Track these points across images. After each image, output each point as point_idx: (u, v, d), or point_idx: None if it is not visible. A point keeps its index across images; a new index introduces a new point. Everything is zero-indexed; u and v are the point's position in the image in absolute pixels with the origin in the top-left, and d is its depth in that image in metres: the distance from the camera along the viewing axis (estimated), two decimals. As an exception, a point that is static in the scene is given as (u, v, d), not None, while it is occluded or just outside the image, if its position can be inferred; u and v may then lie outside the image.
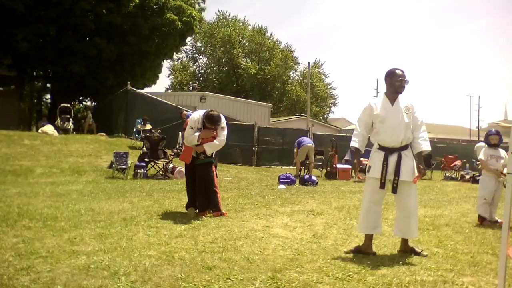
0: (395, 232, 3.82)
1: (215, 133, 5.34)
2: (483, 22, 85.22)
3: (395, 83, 3.72)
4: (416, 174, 3.66)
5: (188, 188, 5.56)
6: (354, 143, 3.84)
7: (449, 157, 15.68)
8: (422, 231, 4.66)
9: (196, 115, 5.44)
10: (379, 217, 3.78)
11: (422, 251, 3.68)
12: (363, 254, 3.62)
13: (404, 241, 3.75)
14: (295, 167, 12.56)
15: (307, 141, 12.42)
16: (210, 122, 5.28)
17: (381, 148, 3.73)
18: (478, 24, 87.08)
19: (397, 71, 3.75)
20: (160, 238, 3.90)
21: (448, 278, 3.05)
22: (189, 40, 34.69)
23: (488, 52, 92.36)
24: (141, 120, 14.01)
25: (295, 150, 12.48)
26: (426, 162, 17.33)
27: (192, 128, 5.32)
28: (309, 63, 31.24)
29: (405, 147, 3.68)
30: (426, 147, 3.67)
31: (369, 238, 3.72)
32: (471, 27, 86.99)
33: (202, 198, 5.27)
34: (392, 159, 3.65)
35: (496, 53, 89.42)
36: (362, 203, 3.90)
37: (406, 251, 3.69)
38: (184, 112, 13.85)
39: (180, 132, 13.66)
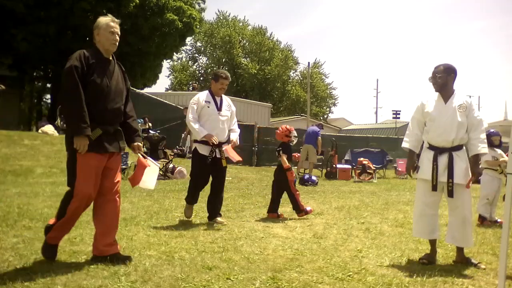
0: (448, 239, 3.57)
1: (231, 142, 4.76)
2: (483, 22, 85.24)
3: (430, 80, 3.57)
4: (470, 176, 3.40)
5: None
6: (405, 143, 3.70)
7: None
8: (422, 231, 4.67)
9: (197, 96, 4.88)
10: (435, 221, 3.55)
11: (479, 263, 3.39)
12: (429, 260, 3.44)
13: (460, 251, 3.50)
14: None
15: (307, 140, 12.17)
16: (218, 78, 4.76)
17: (430, 147, 3.55)
18: (478, 24, 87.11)
19: (434, 69, 3.57)
20: (160, 238, 3.90)
21: (448, 278, 3.05)
22: (189, 40, 34.74)
23: (488, 52, 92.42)
24: (142, 119, 14.02)
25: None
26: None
27: (193, 110, 4.68)
28: (309, 63, 31.27)
29: (457, 148, 3.46)
30: (483, 149, 3.37)
31: (432, 243, 3.55)
32: (471, 27, 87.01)
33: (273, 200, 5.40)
34: (442, 159, 3.44)
35: (496, 53, 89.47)
36: (414, 205, 3.72)
37: (462, 262, 3.43)
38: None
39: (183, 135, 13.70)
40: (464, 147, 3.50)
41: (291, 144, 5.66)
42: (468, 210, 3.44)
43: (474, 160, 3.43)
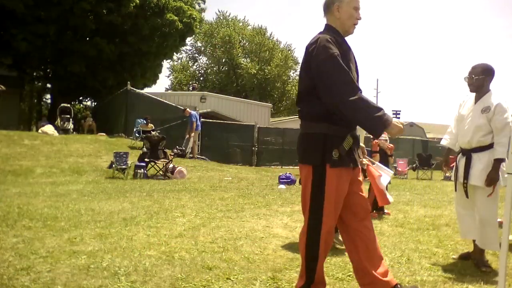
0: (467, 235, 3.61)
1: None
2: (483, 23, 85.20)
3: (466, 80, 3.52)
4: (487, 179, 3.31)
5: None
6: (444, 140, 3.76)
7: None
8: (422, 231, 4.67)
9: None
10: (468, 221, 3.50)
11: (486, 267, 3.31)
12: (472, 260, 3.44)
13: (476, 247, 3.49)
14: None
15: None
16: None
17: (460, 148, 3.60)
18: (478, 25, 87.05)
19: (471, 69, 3.51)
20: (160, 238, 3.90)
21: (448, 278, 3.05)
22: (189, 40, 34.73)
23: (488, 52, 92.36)
24: (143, 119, 14.02)
25: None
26: (426, 162, 17.02)
27: None
28: (309, 63, 31.18)
29: (479, 149, 3.40)
30: (498, 154, 3.25)
31: (474, 244, 3.51)
32: (471, 27, 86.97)
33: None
34: (462, 160, 3.49)
35: (496, 53, 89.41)
36: None
37: (475, 259, 3.46)
38: (188, 110, 13.87)
39: (186, 136, 13.71)
40: (489, 149, 3.39)
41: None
42: (484, 211, 3.37)
43: (493, 164, 3.33)
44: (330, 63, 2.21)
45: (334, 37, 2.32)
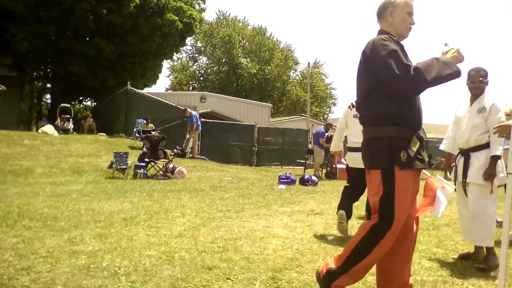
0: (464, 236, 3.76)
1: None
2: (482, 23, 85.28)
3: (467, 84, 3.61)
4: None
5: None
6: (442, 145, 3.88)
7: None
8: (422, 231, 4.67)
9: None
10: (469, 221, 3.55)
11: (482, 265, 3.31)
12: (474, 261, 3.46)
13: (476, 247, 3.55)
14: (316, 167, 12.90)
15: (315, 141, 12.96)
16: None
17: (459, 149, 3.70)
18: (477, 25, 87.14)
19: (471, 72, 3.59)
20: (160, 238, 3.90)
21: (448, 278, 3.05)
22: (189, 40, 34.77)
23: (488, 52, 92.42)
24: (143, 119, 14.02)
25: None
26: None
27: None
28: (309, 63, 31.23)
29: (476, 148, 3.51)
30: (494, 151, 3.37)
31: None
32: (471, 27, 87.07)
33: None
34: (461, 160, 3.60)
35: (496, 53, 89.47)
36: None
37: (475, 259, 3.49)
38: (188, 110, 13.88)
39: (187, 136, 13.71)
40: (486, 148, 3.47)
41: None
42: (476, 206, 3.42)
43: (490, 161, 3.41)
44: (392, 55, 2.24)
45: (389, 36, 2.37)
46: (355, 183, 4.59)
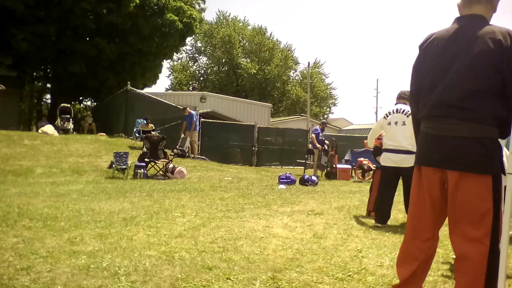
0: None
1: None
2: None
3: None
4: None
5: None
6: None
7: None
8: (422, 231, 4.66)
9: None
10: None
11: None
12: None
13: None
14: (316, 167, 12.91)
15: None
16: None
17: None
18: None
19: None
20: (160, 238, 3.90)
21: (448, 278, 3.04)
22: (189, 40, 34.80)
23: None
24: (143, 119, 14.03)
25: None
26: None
27: None
28: (309, 63, 31.27)
29: None
30: None
31: None
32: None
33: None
34: None
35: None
36: None
37: None
38: (188, 109, 13.89)
39: (182, 135, 13.72)
40: None
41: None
42: None
43: None
44: None
45: None
46: (389, 183, 5.07)
